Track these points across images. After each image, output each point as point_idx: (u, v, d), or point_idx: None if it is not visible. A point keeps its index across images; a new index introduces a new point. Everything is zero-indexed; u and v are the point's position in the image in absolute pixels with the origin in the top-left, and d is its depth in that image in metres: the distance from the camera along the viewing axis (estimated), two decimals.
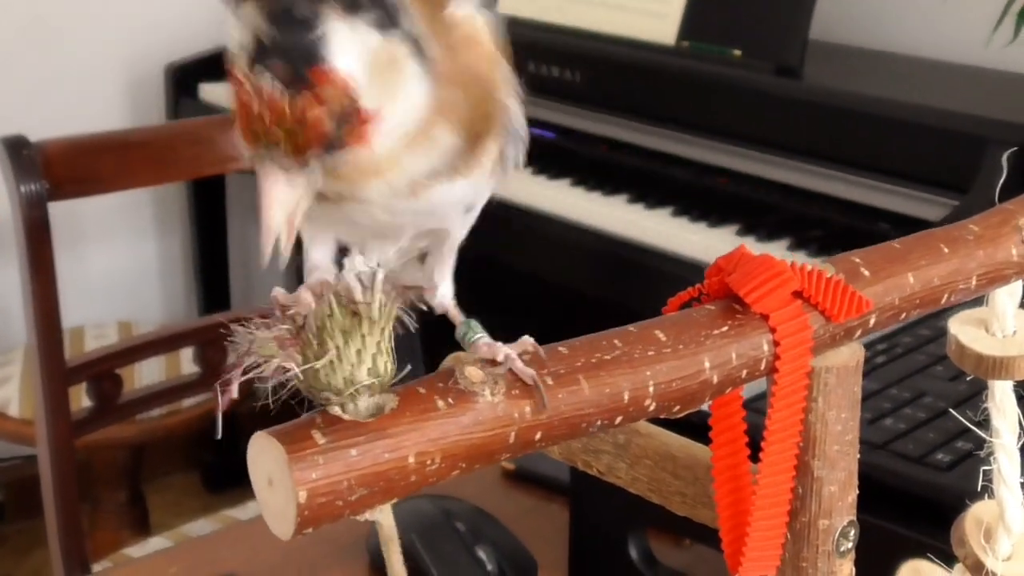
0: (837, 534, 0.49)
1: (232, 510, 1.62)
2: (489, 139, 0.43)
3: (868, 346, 0.75)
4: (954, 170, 1.59)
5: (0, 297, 2.36)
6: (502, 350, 0.41)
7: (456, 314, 0.47)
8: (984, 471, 0.52)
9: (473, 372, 0.39)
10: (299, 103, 0.36)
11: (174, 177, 1.79)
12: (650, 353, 0.42)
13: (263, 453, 0.37)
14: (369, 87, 0.37)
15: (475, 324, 0.45)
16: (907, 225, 1.61)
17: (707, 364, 0.44)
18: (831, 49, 1.99)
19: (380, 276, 0.36)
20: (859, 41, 2.04)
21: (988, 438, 0.52)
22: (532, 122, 1.69)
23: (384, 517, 0.39)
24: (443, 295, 0.48)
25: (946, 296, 0.49)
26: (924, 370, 0.84)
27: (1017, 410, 0.52)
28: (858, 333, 0.47)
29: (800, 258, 1.60)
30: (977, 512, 0.54)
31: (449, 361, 0.43)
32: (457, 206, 0.45)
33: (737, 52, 1.85)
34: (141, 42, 2.50)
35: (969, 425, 0.52)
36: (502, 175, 0.46)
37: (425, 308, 0.48)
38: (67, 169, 1.41)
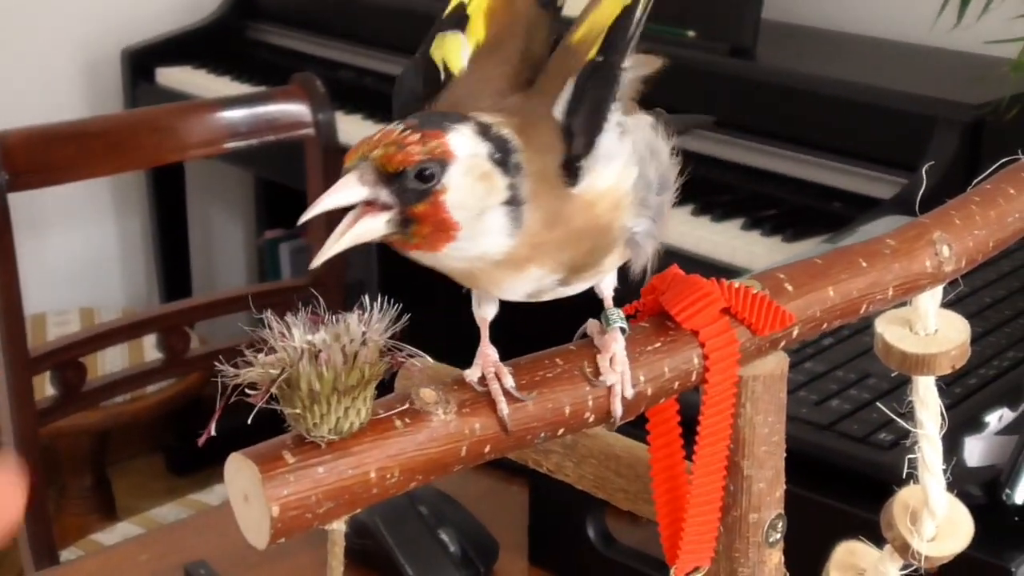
0: (766, 526, 0.53)
1: (198, 494, 1.64)
2: (604, 261, 0.48)
3: None
4: (904, 149, 1.62)
5: None
6: (612, 351, 0.47)
7: (608, 300, 0.51)
8: (909, 459, 0.56)
9: (427, 393, 0.42)
10: (405, 135, 0.43)
11: (134, 165, 1.79)
12: (588, 370, 0.46)
13: (239, 472, 0.40)
14: (458, 188, 0.44)
15: (617, 313, 0.49)
16: (859, 203, 1.64)
17: (641, 378, 0.47)
18: (783, 29, 2.02)
19: (364, 351, 0.40)
20: (810, 20, 2.06)
21: (913, 428, 0.55)
22: None
23: (338, 525, 0.42)
24: (604, 285, 0.51)
25: (865, 306, 0.52)
26: (869, 352, 0.87)
27: (939, 402, 0.55)
28: (782, 344, 0.51)
29: (754, 237, 1.63)
30: (903, 497, 0.57)
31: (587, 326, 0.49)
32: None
33: (691, 33, 1.87)
34: (97, 26, 2.49)
35: (895, 417, 0.55)
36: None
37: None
38: (27, 159, 1.42)
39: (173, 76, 2.41)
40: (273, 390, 0.40)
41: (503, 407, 0.44)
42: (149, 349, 1.93)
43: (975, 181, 0.59)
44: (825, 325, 0.52)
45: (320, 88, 1.62)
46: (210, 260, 2.76)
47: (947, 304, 0.93)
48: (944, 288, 0.57)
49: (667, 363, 0.48)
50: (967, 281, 0.98)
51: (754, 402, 0.51)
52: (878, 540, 0.59)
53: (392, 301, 0.44)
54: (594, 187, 0.46)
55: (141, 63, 2.43)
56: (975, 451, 0.73)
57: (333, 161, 1.62)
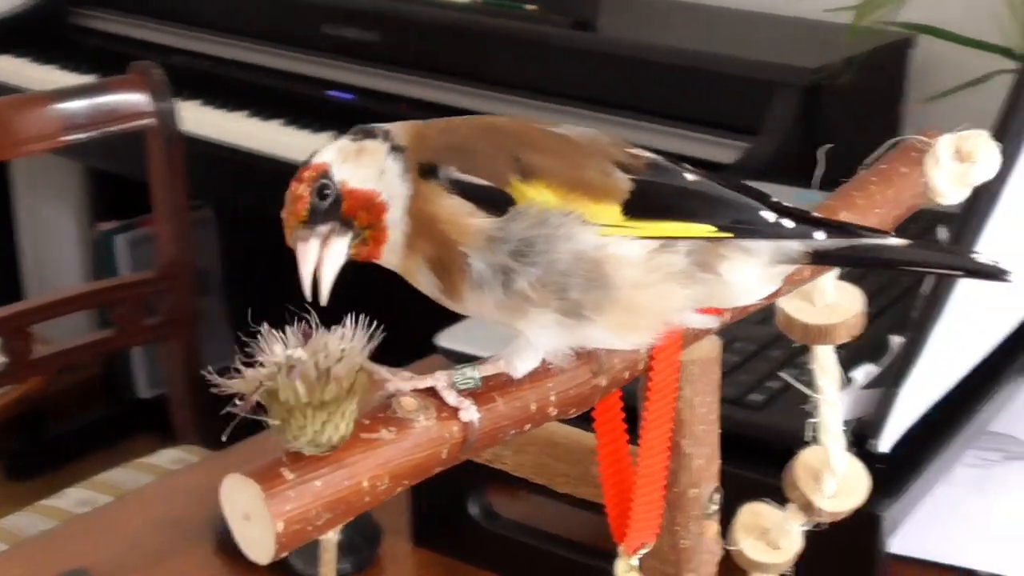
0: (705, 500, 0.57)
1: (50, 500, 1.58)
2: (460, 286, 0.50)
3: None
4: (745, 114, 1.67)
5: None
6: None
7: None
8: (809, 423, 0.59)
9: (408, 402, 0.45)
10: (293, 190, 0.49)
11: None
12: (550, 368, 0.50)
13: (237, 491, 0.41)
14: (350, 173, 0.49)
15: (468, 370, 0.49)
16: (705, 168, 1.66)
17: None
18: (624, 0, 2.04)
19: (337, 368, 0.42)
20: None
21: (812, 394, 0.58)
22: (331, 84, 1.69)
23: (332, 534, 0.43)
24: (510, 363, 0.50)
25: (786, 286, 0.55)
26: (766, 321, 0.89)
27: (838, 368, 0.58)
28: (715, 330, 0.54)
29: None
30: (804, 458, 0.60)
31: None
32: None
33: (531, 7, 1.88)
34: None
35: (799, 386, 0.58)
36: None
37: None
38: None
39: (2, 67, 2.31)
40: (256, 400, 0.42)
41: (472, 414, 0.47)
42: None
43: (866, 160, 0.62)
44: (750, 310, 0.55)
45: (160, 77, 1.59)
46: (41, 256, 2.66)
47: None
48: None
49: (618, 355, 0.51)
50: None
51: (692, 384, 0.54)
52: (781, 503, 0.61)
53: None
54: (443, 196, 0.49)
55: None
56: (843, 405, 0.76)
57: (175, 150, 1.58)
